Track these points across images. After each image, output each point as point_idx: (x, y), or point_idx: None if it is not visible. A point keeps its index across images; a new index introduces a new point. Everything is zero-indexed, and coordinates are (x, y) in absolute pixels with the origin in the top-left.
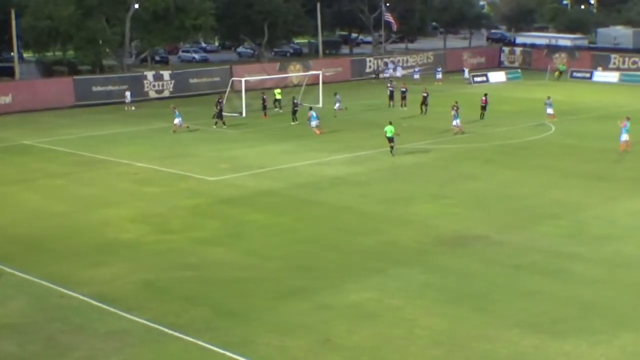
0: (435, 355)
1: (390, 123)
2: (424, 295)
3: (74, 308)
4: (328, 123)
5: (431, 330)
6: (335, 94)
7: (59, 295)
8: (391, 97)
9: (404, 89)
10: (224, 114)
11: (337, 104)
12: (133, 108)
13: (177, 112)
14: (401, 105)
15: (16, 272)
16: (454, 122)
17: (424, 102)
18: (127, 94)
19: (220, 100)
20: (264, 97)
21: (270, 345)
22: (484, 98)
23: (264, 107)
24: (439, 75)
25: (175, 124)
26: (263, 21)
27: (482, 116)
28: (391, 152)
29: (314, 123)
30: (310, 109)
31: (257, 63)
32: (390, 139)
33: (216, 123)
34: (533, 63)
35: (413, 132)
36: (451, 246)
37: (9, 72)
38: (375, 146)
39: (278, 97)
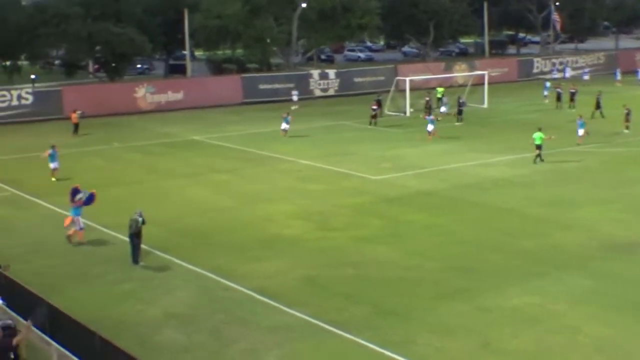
0: None
1: (540, 130)
2: (588, 302)
3: (238, 301)
4: (488, 124)
5: (595, 338)
6: (442, 97)
7: (224, 287)
8: (559, 98)
9: (573, 90)
10: (388, 113)
11: (443, 108)
12: (295, 107)
13: (287, 118)
14: (569, 107)
15: (184, 264)
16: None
17: (572, 98)
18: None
19: (377, 102)
20: (427, 98)
21: (430, 346)
22: None
23: (428, 108)
24: (619, 77)
25: (282, 130)
26: (428, 20)
27: None
28: (535, 160)
29: (430, 127)
30: (430, 114)
31: (422, 62)
32: (538, 146)
33: (370, 123)
34: None
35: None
36: (618, 252)
37: (181, 70)
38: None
39: (439, 96)
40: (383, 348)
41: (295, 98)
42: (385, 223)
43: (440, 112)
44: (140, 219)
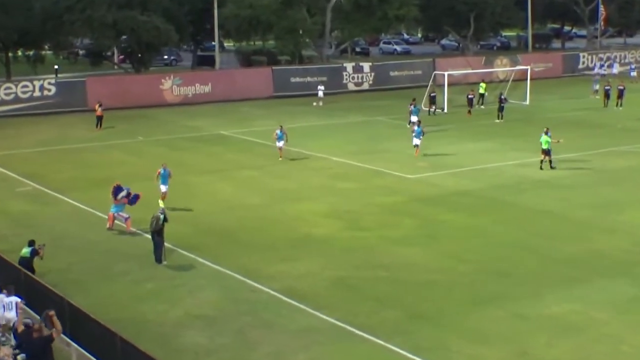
0: None
1: (546, 132)
2: (633, 310)
3: (264, 302)
4: (530, 122)
5: (639, 349)
6: (484, 93)
7: (250, 289)
8: (607, 95)
9: (621, 87)
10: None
11: (414, 117)
12: (320, 104)
13: (281, 133)
14: (616, 105)
15: (208, 263)
16: None
17: (620, 96)
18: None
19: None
20: (470, 95)
21: (462, 353)
22: None
23: (470, 104)
24: None
25: (278, 148)
26: (469, 12)
27: None
28: (541, 166)
29: (417, 141)
30: (419, 123)
31: (462, 56)
32: (546, 151)
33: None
34: None
35: (627, 134)
36: None
37: (209, 62)
38: (583, 148)
39: (482, 91)
40: (414, 354)
41: (321, 94)
42: (418, 223)
43: (411, 122)
44: (162, 216)
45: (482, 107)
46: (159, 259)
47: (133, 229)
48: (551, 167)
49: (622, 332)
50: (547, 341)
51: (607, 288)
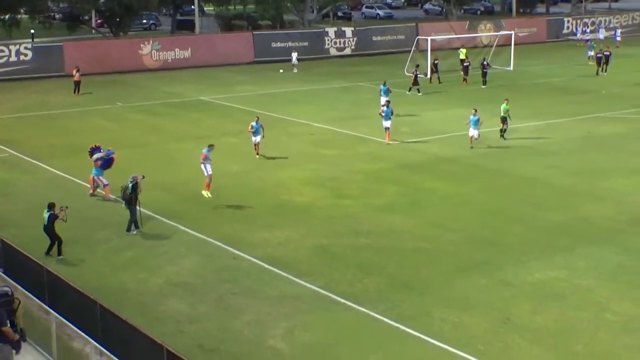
0: (627, 343)
1: (507, 101)
2: (617, 278)
3: (246, 270)
4: (514, 88)
5: (623, 316)
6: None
7: (231, 256)
8: (599, 63)
9: (607, 53)
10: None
11: (384, 98)
12: (295, 70)
13: (258, 125)
14: (602, 70)
15: (189, 231)
16: None
17: (606, 61)
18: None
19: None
20: (466, 62)
21: (446, 321)
22: None
23: (466, 73)
24: None
25: (254, 144)
26: None
27: None
28: (501, 134)
29: (387, 123)
30: (388, 104)
31: (445, 21)
32: (503, 119)
33: (410, 89)
34: None
35: (612, 100)
36: None
37: (189, 26)
38: (569, 114)
39: (462, 57)
40: (397, 322)
41: (294, 60)
42: (402, 191)
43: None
44: (130, 185)
45: (462, 73)
46: (128, 228)
47: (112, 196)
48: (502, 136)
49: (606, 299)
50: (531, 308)
51: (592, 255)
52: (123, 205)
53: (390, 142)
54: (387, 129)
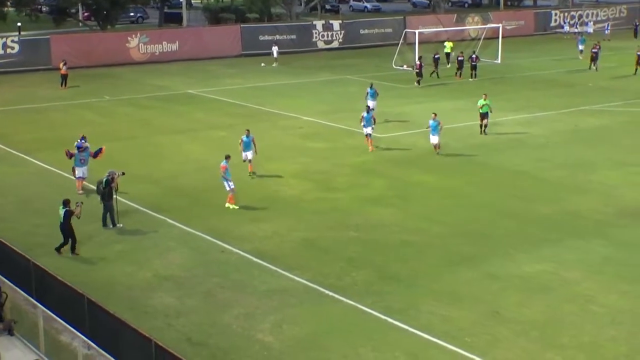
0: (613, 335)
1: (485, 96)
2: (604, 271)
3: (234, 264)
4: (502, 81)
5: (610, 309)
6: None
7: (219, 250)
8: (592, 59)
9: (595, 50)
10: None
11: (371, 102)
12: (274, 64)
13: (249, 139)
14: (589, 67)
15: (177, 224)
16: None
17: (595, 57)
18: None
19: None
20: (460, 57)
21: (434, 314)
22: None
23: (460, 67)
24: None
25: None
26: None
27: None
28: (481, 130)
29: (368, 129)
30: (370, 110)
31: (433, 14)
32: (483, 115)
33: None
34: None
35: (599, 92)
36: (637, 219)
37: (176, 19)
38: (557, 107)
39: (448, 50)
40: (385, 315)
41: (275, 53)
42: (390, 184)
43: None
44: (104, 180)
45: (449, 66)
46: (103, 223)
47: (81, 191)
48: (483, 132)
49: (592, 291)
50: (519, 301)
51: (579, 248)
52: (98, 199)
53: (373, 148)
54: (368, 135)
